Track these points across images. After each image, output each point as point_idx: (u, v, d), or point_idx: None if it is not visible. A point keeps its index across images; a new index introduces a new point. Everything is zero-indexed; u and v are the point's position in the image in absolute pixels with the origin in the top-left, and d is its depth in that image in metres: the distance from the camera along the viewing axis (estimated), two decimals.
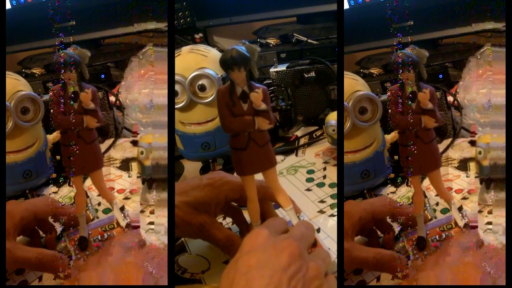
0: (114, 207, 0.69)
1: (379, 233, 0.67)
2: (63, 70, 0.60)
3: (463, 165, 0.81)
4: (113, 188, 0.79)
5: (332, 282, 0.53)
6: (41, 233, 0.70)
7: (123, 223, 0.69)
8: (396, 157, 0.70)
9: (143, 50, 0.97)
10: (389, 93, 0.62)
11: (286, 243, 0.52)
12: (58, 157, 0.79)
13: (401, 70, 0.59)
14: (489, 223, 0.63)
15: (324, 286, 0.51)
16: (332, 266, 0.60)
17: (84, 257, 0.66)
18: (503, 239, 0.60)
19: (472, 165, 0.80)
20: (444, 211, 0.70)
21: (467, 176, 0.79)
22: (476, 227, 0.66)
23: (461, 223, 0.66)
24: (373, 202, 0.69)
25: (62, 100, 0.61)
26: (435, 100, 0.60)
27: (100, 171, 0.66)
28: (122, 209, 0.74)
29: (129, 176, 0.84)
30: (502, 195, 0.64)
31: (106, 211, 0.72)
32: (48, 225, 0.70)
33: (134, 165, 0.82)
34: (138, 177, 0.81)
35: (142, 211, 0.75)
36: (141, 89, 0.92)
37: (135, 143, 0.83)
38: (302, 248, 0.53)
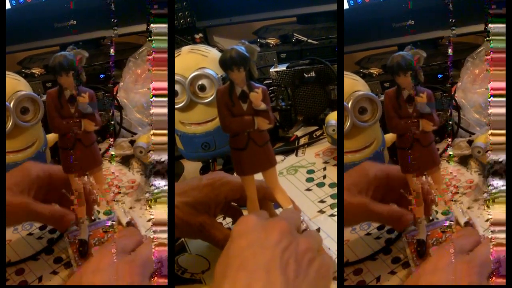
0: (114, 205, 0.69)
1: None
2: (58, 74, 0.59)
3: (463, 161, 0.82)
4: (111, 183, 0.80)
5: (327, 258, 0.54)
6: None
7: (124, 221, 0.69)
8: (395, 159, 0.70)
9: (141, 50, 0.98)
10: (385, 97, 0.61)
11: (275, 222, 0.53)
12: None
13: (396, 74, 0.59)
14: (489, 220, 0.62)
15: (317, 259, 0.52)
16: (332, 265, 0.60)
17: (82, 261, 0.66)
18: (501, 235, 0.59)
19: (472, 162, 0.81)
20: (445, 212, 0.69)
21: (467, 170, 0.80)
22: (476, 225, 0.66)
23: (461, 221, 0.66)
24: (393, 167, 0.68)
25: (59, 104, 0.60)
26: (432, 103, 0.60)
27: (100, 168, 0.66)
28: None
29: (129, 170, 0.84)
30: (502, 187, 0.63)
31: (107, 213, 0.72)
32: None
33: (134, 162, 0.83)
34: (137, 171, 0.82)
35: (138, 199, 0.76)
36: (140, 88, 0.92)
37: (133, 143, 0.83)
38: (291, 226, 0.53)
